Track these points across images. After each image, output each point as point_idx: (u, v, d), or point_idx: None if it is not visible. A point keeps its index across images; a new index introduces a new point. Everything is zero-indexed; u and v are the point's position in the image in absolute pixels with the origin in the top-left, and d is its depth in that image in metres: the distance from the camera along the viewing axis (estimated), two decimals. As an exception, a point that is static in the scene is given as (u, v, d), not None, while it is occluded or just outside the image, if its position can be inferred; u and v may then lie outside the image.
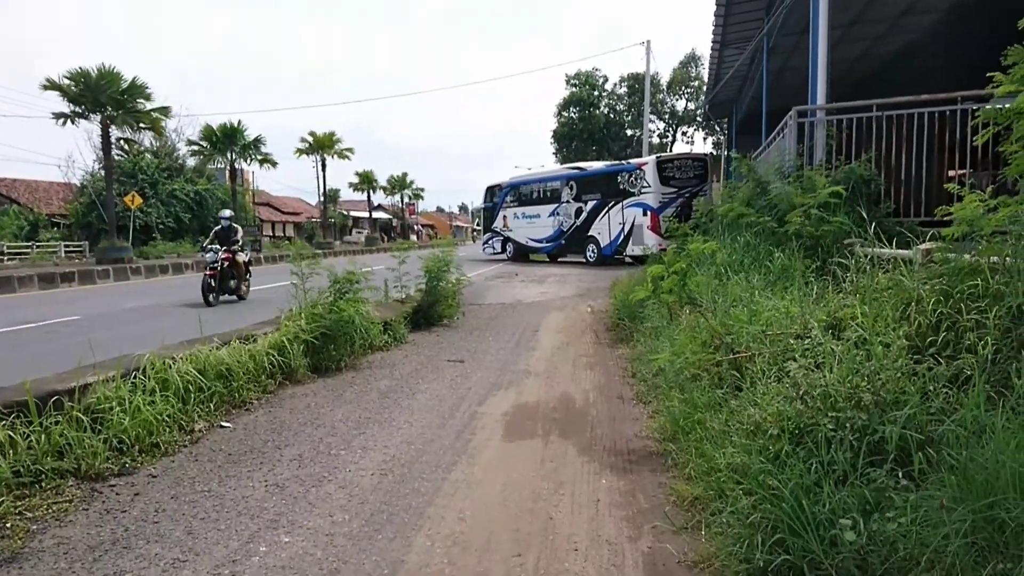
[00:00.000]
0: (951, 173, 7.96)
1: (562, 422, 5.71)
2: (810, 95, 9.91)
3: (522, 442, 5.21)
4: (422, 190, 67.25)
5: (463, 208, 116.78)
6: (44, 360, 6.99)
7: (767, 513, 2.90)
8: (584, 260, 23.92)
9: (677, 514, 3.75)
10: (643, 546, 3.44)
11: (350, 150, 43.02)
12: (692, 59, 51.07)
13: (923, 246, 4.49)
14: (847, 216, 6.81)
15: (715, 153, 34.47)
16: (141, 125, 24.90)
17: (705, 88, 28.20)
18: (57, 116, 23.20)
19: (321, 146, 41.76)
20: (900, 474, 2.83)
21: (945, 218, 4.44)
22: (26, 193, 40.98)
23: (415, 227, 72.07)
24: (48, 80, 22.57)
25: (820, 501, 2.79)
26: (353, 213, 67.60)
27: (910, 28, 15.11)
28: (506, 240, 28.60)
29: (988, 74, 4.29)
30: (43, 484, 4.14)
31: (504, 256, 28.60)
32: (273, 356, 6.77)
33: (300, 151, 42.04)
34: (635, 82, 50.31)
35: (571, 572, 3.20)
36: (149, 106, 24.70)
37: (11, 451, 4.08)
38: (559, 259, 26.28)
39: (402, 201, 65.29)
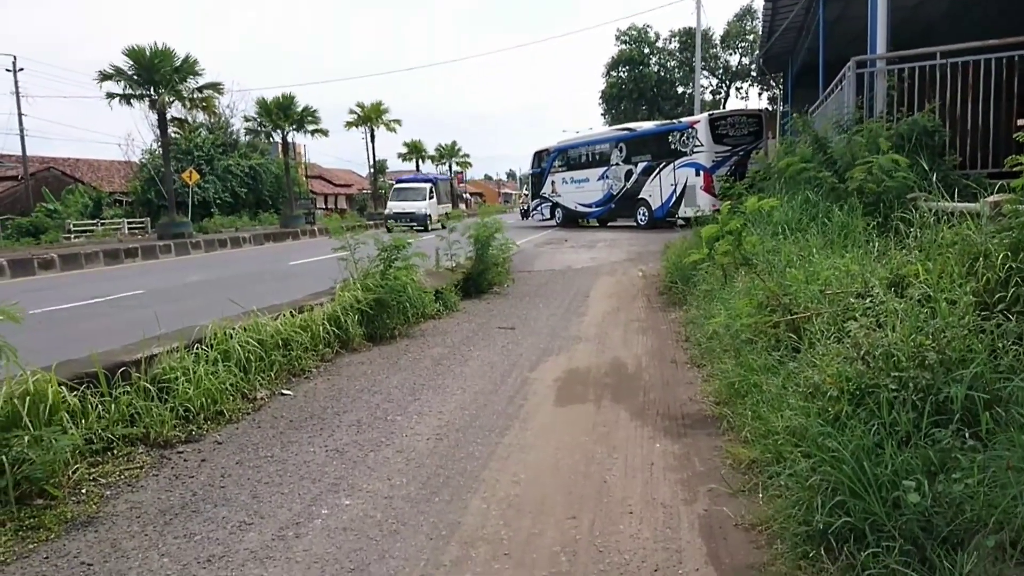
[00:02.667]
0: (1020, 122, 7.55)
1: (614, 387, 5.69)
2: (869, 44, 9.47)
3: (574, 407, 5.22)
4: (468, 156, 67.19)
5: (511, 175, 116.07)
6: (112, 333, 7.27)
7: (827, 475, 2.84)
8: (635, 224, 23.60)
9: (733, 477, 3.71)
10: (699, 509, 3.43)
11: (397, 122, 43.22)
12: (747, 12, 49.37)
13: (991, 198, 4.29)
14: (910, 169, 6.54)
15: (770, 109, 33.42)
16: (197, 98, 25.38)
17: (759, 42, 27.24)
18: (111, 96, 23.81)
19: (369, 117, 42.01)
20: (967, 434, 2.74)
21: (1014, 168, 4.22)
22: (89, 172, 42.50)
23: (464, 195, 72.18)
24: (102, 72, 23.29)
25: (882, 463, 2.72)
26: (402, 183, 67.91)
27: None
28: (555, 206, 28.39)
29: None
30: (115, 451, 4.34)
31: (553, 222, 28.43)
32: (329, 326, 6.91)
33: (349, 123, 42.39)
34: (687, 37, 48.92)
35: (626, 535, 3.21)
36: (201, 82, 25.21)
37: (83, 420, 4.27)
38: (609, 223, 25.99)
39: (450, 170, 65.32)
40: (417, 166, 56.38)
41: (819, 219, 7.03)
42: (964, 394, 2.84)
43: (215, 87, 26.07)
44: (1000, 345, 3.10)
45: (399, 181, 39.63)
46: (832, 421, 3.10)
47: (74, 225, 31.25)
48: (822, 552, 2.68)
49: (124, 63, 23.32)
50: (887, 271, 4.40)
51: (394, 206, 32.11)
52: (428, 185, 34.50)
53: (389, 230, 13.08)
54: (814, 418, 3.19)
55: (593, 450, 4.30)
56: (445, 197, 38.60)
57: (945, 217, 4.82)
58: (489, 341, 7.55)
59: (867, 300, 4.04)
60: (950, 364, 3.02)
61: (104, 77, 23.54)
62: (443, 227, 10.27)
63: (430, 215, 31.05)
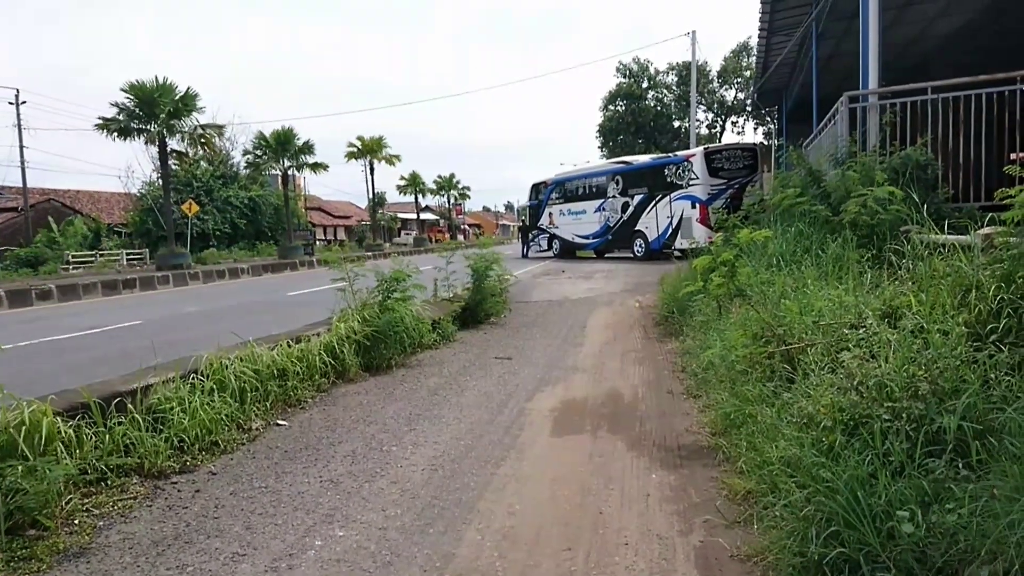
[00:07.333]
0: (1012, 156, 7.67)
1: (611, 417, 5.68)
2: (861, 80, 9.65)
3: (570, 437, 5.20)
4: (468, 189, 67.49)
5: (509, 207, 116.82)
6: (109, 363, 7.27)
7: (821, 506, 2.84)
8: (632, 255, 23.72)
9: (729, 508, 3.70)
10: (695, 540, 3.41)
11: (397, 157, 43.48)
12: (744, 48, 50.06)
13: (983, 231, 4.34)
14: (903, 203, 6.62)
15: (765, 143, 33.78)
16: (198, 135, 25.64)
17: (754, 77, 27.64)
18: (113, 129, 23.95)
19: (369, 150, 42.31)
20: (960, 464, 2.75)
21: (1005, 201, 4.28)
22: (89, 204, 42.69)
23: (462, 227, 72.52)
24: (102, 119, 23.60)
25: (876, 493, 2.72)
26: (401, 215, 68.30)
27: (966, 7, 14.55)
28: (552, 237, 28.59)
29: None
30: (108, 482, 4.31)
31: (550, 253, 28.58)
32: (325, 356, 6.91)
33: (350, 155, 42.68)
34: (684, 71, 49.50)
35: (621, 566, 3.19)
36: (202, 120, 25.54)
37: (77, 450, 4.25)
38: (606, 255, 26.11)
39: (449, 202, 65.60)
40: (416, 199, 56.61)
41: (813, 251, 7.09)
42: (957, 424, 2.85)
43: (217, 128, 26.39)
44: (992, 376, 3.12)
45: None
46: (826, 451, 3.11)
47: (73, 256, 31.26)
48: (817, 583, 2.67)
49: (125, 98, 23.53)
50: (880, 302, 4.43)
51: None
52: None
53: None
54: (808, 448, 3.20)
55: (589, 481, 4.28)
56: None
57: (938, 249, 4.87)
58: (486, 371, 7.55)
59: (860, 331, 4.07)
60: (943, 394, 3.03)
61: (103, 126, 23.77)
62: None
63: None
